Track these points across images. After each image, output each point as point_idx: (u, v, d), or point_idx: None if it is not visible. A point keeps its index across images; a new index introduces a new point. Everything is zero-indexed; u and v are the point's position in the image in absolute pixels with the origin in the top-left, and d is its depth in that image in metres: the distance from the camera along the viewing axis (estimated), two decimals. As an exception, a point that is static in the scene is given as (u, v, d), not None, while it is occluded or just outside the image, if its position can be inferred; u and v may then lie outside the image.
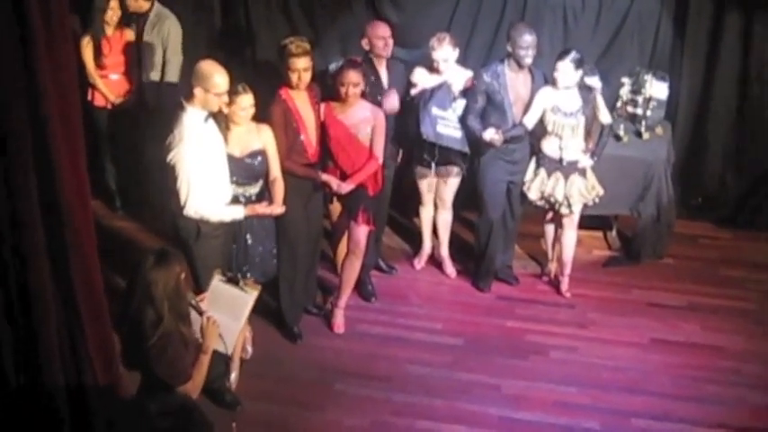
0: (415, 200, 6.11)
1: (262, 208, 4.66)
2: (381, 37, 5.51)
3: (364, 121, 5.14)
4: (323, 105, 5.10)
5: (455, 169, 5.82)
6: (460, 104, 5.58)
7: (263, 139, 4.72)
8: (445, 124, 5.54)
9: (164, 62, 6.27)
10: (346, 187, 5.11)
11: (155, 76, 6.31)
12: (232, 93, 4.45)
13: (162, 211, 4.80)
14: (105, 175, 6.63)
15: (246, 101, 4.57)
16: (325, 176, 5.11)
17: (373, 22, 5.77)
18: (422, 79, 5.64)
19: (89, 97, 6.33)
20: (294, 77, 4.87)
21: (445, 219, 6.06)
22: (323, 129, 5.10)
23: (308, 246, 5.29)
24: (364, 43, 5.54)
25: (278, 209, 4.73)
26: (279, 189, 4.78)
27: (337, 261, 5.61)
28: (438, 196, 5.99)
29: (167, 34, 6.27)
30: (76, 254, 3.97)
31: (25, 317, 3.86)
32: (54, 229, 3.86)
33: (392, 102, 5.51)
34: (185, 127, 4.31)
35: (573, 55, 5.34)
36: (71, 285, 4.01)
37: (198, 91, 4.31)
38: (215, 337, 3.75)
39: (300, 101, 4.99)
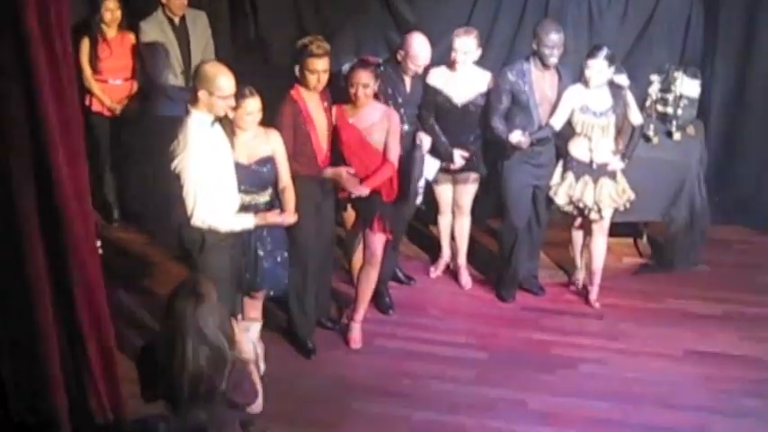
0: (433, 206, 6.00)
1: (273, 216, 4.55)
2: (420, 66, 5.31)
3: (377, 124, 5.01)
4: (334, 108, 4.99)
5: (473, 175, 5.74)
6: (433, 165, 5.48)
7: (272, 145, 4.61)
8: None
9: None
10: (364, 190, 4.96)
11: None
12: (238, 96, 4.33)
13: (166, 222, 4.71)
14: (103, 185, 6.51)
15: (253, 105, 4.44)
16: (330, 170, 4.92)
17: (418, 41, 5.30)
18: (439, 81, 5.50)
19: (87, 102, 6.20)
20: (313, 79, 4.77)
21: (463, 226, 5.96)
22: (335, 133, 4.99)
23: (319, 254, 5.16)
24: (399, 56, 5.34)
25: (290, 217, 4.61)
26: (290, 197, 4.66)
27: (353, 272, 5.51)
28: (455, 203, 5.90)
29: (206, 31, 6.26)
30: (78, 267, 3.92)
31: (26, 334, 3.85)
32: (54, 240, 3.82)
33: None
34: (190, 132, 4.20)
35: (605, 51, 5.25)
36: (72, 300, 3.97)
37: (202, 94, 4.20)
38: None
39: (313, 103, 4.87)
